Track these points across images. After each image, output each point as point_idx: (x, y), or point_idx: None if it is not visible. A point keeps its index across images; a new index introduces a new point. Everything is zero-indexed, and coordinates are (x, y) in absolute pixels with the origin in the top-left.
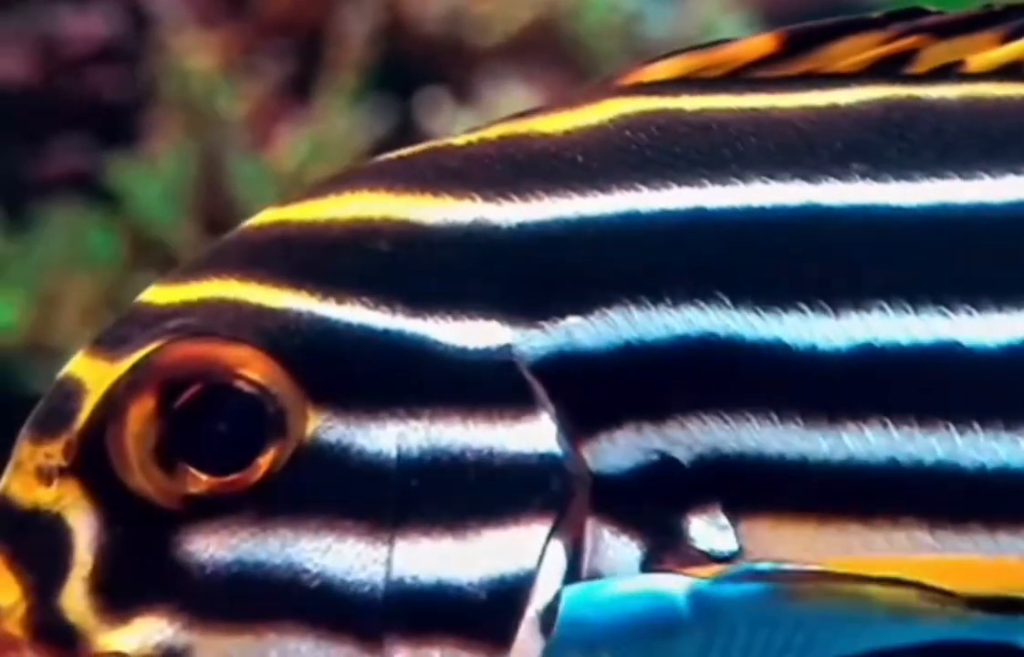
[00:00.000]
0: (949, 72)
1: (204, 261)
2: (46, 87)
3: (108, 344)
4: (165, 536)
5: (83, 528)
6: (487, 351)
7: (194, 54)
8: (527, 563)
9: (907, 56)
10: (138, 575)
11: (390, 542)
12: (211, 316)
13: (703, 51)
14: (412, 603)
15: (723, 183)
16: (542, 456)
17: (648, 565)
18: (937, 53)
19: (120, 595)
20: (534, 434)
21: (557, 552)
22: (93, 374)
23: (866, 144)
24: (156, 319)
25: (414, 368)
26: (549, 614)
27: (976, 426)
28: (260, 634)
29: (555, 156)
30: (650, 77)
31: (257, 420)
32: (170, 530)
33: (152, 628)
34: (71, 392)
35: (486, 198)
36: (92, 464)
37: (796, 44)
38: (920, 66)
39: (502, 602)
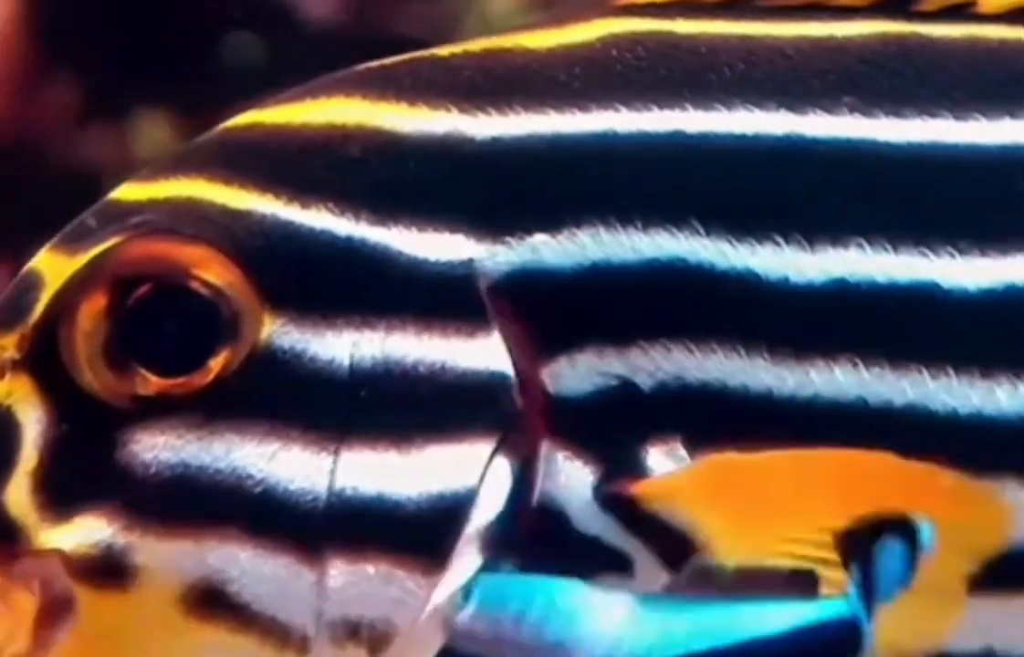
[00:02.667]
0: (958, 11)
1: (176, 160)
2: (355, 25)
3: (70, 238)
4: (111, 435)
5: (31, 423)
6: (448, 265)
7: None
8: (469, 481)
9: None
10: (82, 473)
11: (335, 453)
12: (173, 215)
13: None
14: (351, 516)
15: (705, 108)
16: (492, 374)
17: (600, 492)
18: None
19: (63, 493)
20: (486, 351)
21: (500, 471)
22: (52, 268)
23: (859, 77)
24: (119, 215)
25: (373, 277)
26: (489, 534)
27: (950, 371)
28: (200, 539)
29: (537, 72)
30: None
31: (211, 322)
32: (116, 429)
33: (92, 527)
34: (30, 285)
35: (462, 110)
36: (44, 359)
37: None
38: (928, 3)
39: (440, 520)
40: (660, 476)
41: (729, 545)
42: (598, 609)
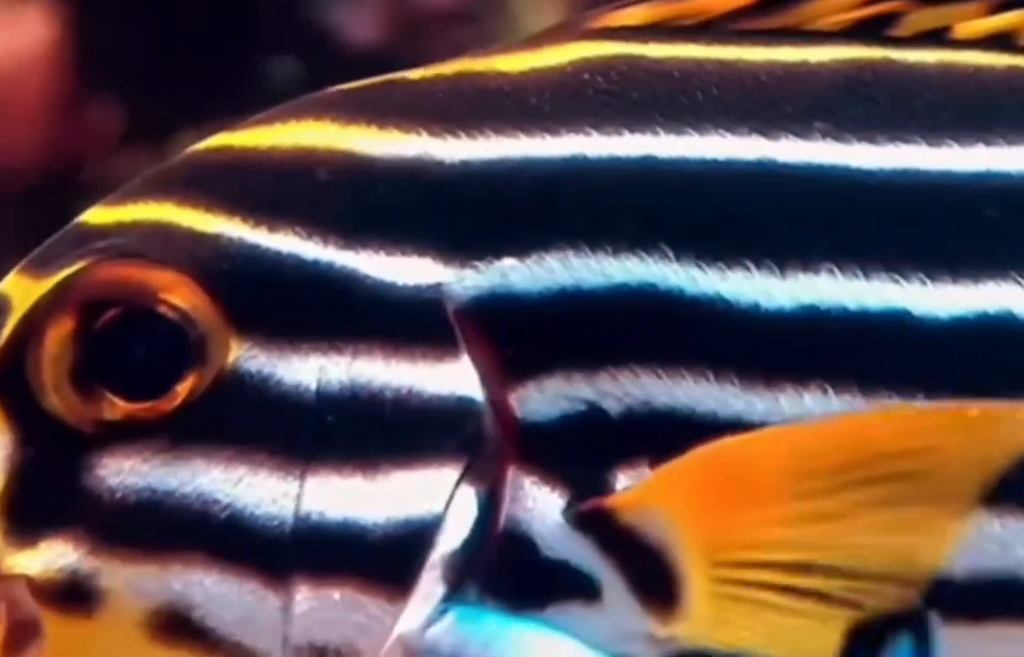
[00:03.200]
0: (933, 38)
1: (145, 184)
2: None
3: (38, 262)
4: (78, 459)
5: None
6: (416, 289)
7: (536, 13)
8: (435, 507)
9: (890, 19)
10: (48, 498)
11: (301, 478)
12: (141, 239)
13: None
14: (318, 542)
15: (677, 133)
16: (459, 399)
17: (570, 513)
18: (922, 18)
19: (29, 517)
20: (454, 377)
21: (467, 498)
22: (19, 291)
23: (831, 103)
24: (87, 239)
25: (341, 302)
26: (454, 560)
27: (921, 398)
28: (165, 564)
29: (509, 95)
30: (620, 22)
31: (178, 347)
32: (83, 453)
33: (57, 551)
34: None
35: (433, 133)
36: (11, 383)
37: None
38: (903, 30)
39: (405, 546)
40: (632, 486)
41: (705, 551)
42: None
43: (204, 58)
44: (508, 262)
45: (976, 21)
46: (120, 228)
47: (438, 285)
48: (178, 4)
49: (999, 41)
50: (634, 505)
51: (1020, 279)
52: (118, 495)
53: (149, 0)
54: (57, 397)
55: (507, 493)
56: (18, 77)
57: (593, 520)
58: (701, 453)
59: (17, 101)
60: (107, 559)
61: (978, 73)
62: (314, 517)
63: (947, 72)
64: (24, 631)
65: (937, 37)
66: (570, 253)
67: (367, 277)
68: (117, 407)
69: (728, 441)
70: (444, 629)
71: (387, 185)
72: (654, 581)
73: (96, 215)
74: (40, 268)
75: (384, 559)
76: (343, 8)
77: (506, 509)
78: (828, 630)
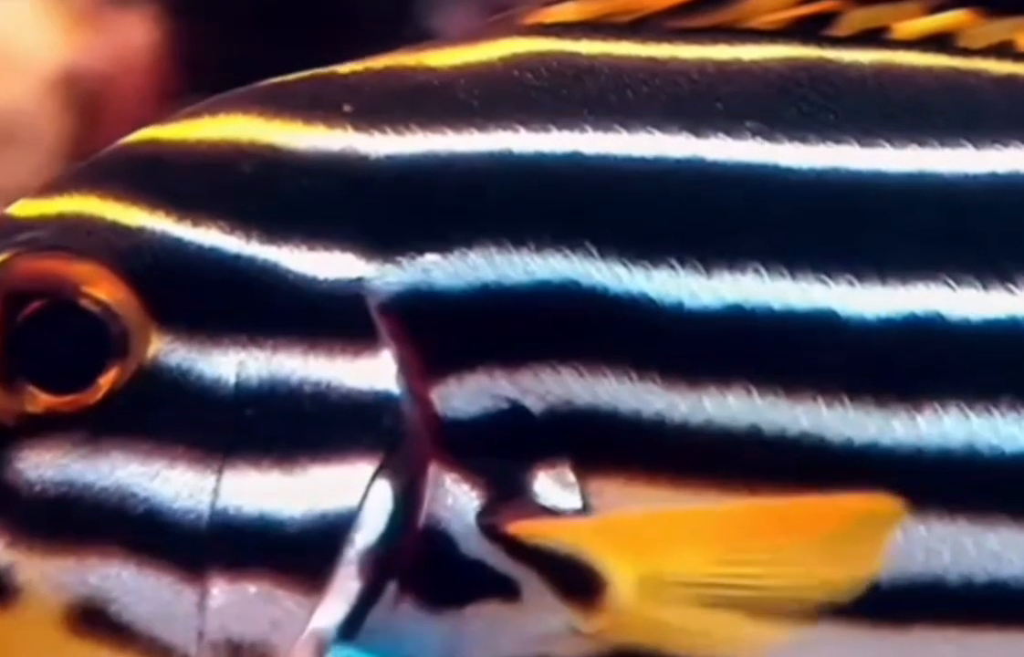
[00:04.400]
0: (871, 38)
1: (71, 176)
2: None
3: None
4: None
5: None
6: (337, 283)
7: None
8: (350, 502)
9: (827, 18)
10: None
11: (219, 472)
12: (64, 231)
13: None
14: (234, 536)
15: (605, 130)
16: (377, 394)
17: (486, 516)
18: (859, 17)
19: None
20: (372, 371)
21: (383, 493)
22: None
23: (763, 102)
24: (11, 232)
25: (262, 296)
26: (371, 556)
27: (846, 400)
28: (82, 557)
29: (437, 91)
30: (554, 18)
31: (99, 340)
32: (3, 446)
33: None
34: None
35: (358, 128)
36: None
37: None
38: (841, 29)
39: (321, 541)
40: (536, 521)
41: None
42: None
43: (304, 66)
44: (431, 258)
45: (915, 21)
46: (44, 220)
47: (359, 280)
48: (279, 11)
49: (937, 42)
50: (538, 534)
51: (950, 281)
52: (37, 488)
53: (250, 7)
54: None
55: (427, 489)
56: (118, 80)
57: (497, 533)
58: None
59: (117, 104)
60: (25, 552)
61: (914, 74)
62: (231, 511)
63: (883, 72)
64: None
65: (875, 37)
66: (493, 249)
67: (289, 272)
68: (39, 400)
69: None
70: None
71: (311, 180)
72: (574, 580)
73: (21, 208)
74: None
75: (299, 554)
76: (444, 16)
77: (426, 506)
78: (758, 624)
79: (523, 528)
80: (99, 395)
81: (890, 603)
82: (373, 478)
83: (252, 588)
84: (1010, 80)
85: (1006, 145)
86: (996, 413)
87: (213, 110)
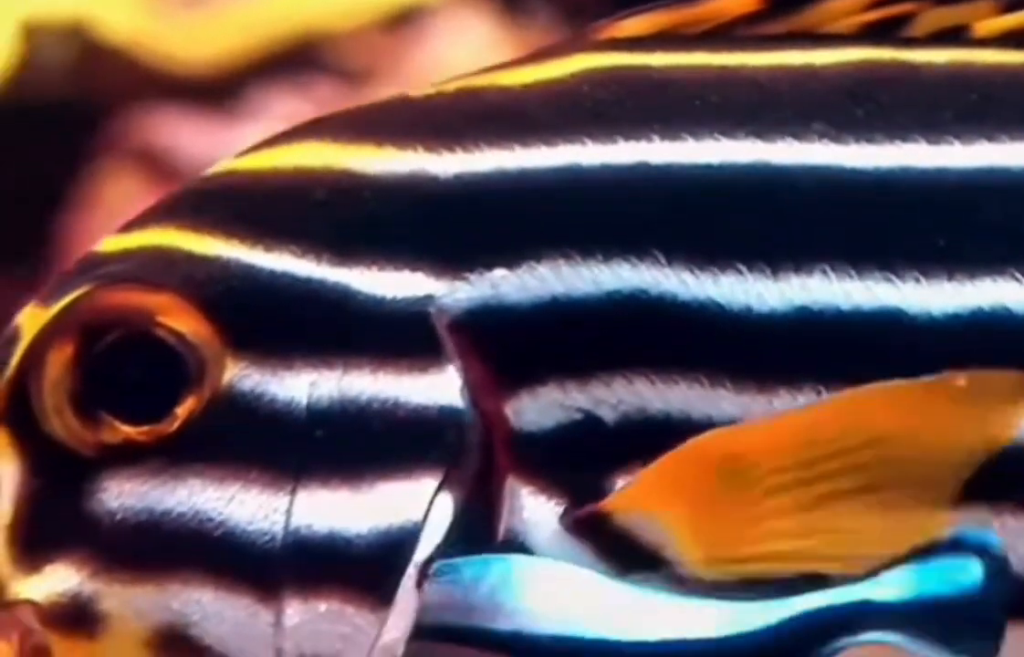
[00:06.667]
0: (950, 37)
1: (151, 211)
2: None
3: (49, 291)
4: (79, 484)
5: (7, 477)
6: (406, 302)
7: None
8: (414, 517)
9: (903, 20)
10: (52, 522)
11: (292, 492)
12: (141, 264)
13: (686, 5)
14: (306, 555)
15: (672, 139)
16: (441, 410)
17: (567, 520)
18: (935, 17)
19: (34, 543)
20: (436, 387)
21: (444, 507)
22: (29, 321)
23: (832, 105)
24: (92, 267)
25: (332, 317)
26: (425, 570)
27: None
28: (163, 584)
29: (507, 109)
30: (626, 31)
31: (176, 370)
32: (84, 478)
33: (61, 576)
34: (10, 338)
35: (429, 149)
36: (18, 411)
37: (783, 1)
38: (917, 30)
39: (386, 557)
40: (624, 486)
41: (701, 547)
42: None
43: None
44: (499, 273)
45: (991, 20)
46: (123, 255)
47: (429, 298)
48: None
49: (1014, 39)
50: (627, 506)
51: (1018, 277)
52: (117, 518)
53: None
54: (59, 422)
55: (504, 503)
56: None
57: (589, 526)
58: (691, 447)
59: None
60: (108, 581)
61: (986, 71)
62: (302, 531)
63: (957, 72)
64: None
65: (952, 37)
66: (561, 262)
67: (359, 292)
68: (118, 431)
69: (716, 433)
70: (443, 586)
71: (381, 201)
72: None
73: (107, 243)
74: (48, 297)
75: (366, 570)
76: None
77: (504, 519)
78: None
79: (618, 501)
80: (176, 425)
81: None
82: (436, 493)
83: (323, 605)
84: None
85: None
86: None
87: (288, 139)
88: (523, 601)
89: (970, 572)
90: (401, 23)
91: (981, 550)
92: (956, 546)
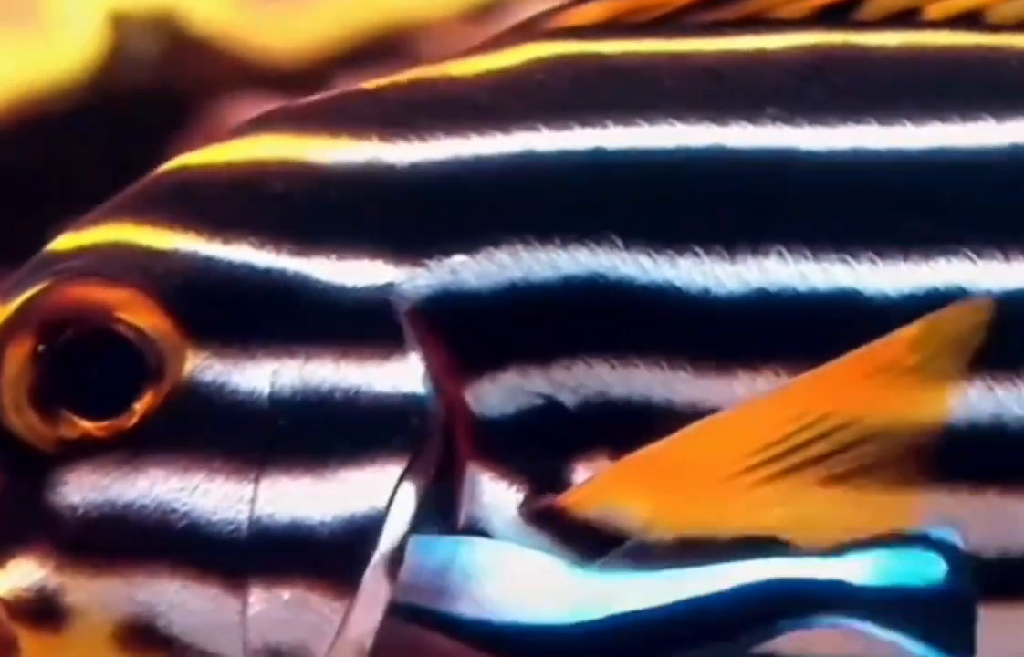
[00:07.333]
0: (904, 20)
1: (108, 207)
2: None
3: (7, 288)
4: (41, 478)
5: None
6: (366, 290)
7: None
8: (378, 504)
9: (855, 4)
10: (15, 517)
11: (256, 482)
12: (99, 259)
13: None
14: (270, 544)
15: (626, 125)
16: (404, 396)
17: (526, 510)
18: (888, 1)
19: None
20: (399, 374)
21: (408, 494)
22: None
23: (785, 89)
24: (49, 263)
25: (293, 307)
26: (394, 558)
27: None
28: (129, 576)
29: (461, 98)
30: (577, 20)
31: (135, 364)
32: (45, 472)
33: (25, 570)
34: None
35: (384, 138)
36: None
37: None
38: (869, 14)
39: (350, 544)
40: (583, 483)
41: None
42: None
43: None
44: (458, 259)
45: (945, 2)
46: (81, 251)
47: (389, 285)
48: None
49: (967, 20)
50: (588, 501)
51: (972, 255)
52: (80, 511)
53: None
54: (18, 418)
55: (465, 489)
56: None
57: (549, 516)
58: (652, 449)
59: None
60: (72, 575)
61: (941, 53)
62: (266, 520)
63: (909, 54)
64: (6, 650)
65: (905, 19)
66: (519, 247)
67: (319, 282)
68: (76, 427)
69: (675, 436)
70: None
71: (339, 191)
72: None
73: (64, 240)
74: (6, 293)
75: (331, 558)
76: None
77: (464, 505)
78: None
79: (574, 498)
80: (135, 419)
81: None
82: (400, 480)
83: (288, 594)
84: None
85: None
86: (1021, 384)
87: (244, 132)
88: (489, 588)
89: (935, 567)
90: (486, 13)
91: (944, 547)
92: (920, 541)
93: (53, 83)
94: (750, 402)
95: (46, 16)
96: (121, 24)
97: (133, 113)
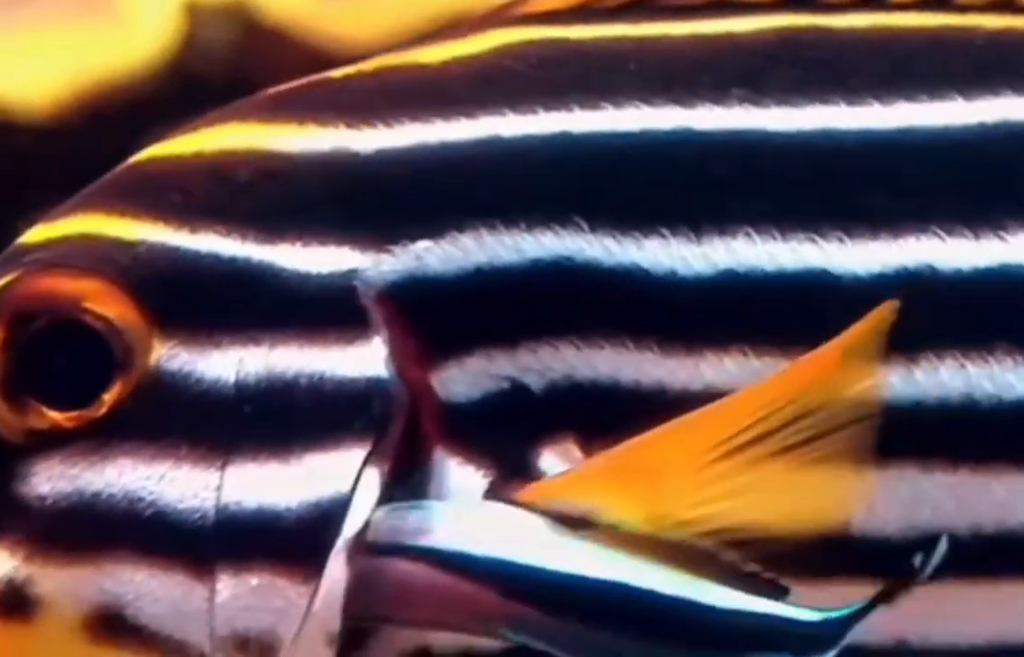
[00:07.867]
0: (872, 1)
1: (77, 200)
2: None
3: None
4: (9, 469)
5: None
6: (330, 277)
7: None
8: (342, 488)
9: None
10: None
11: (222, 469)
12: (67, 250)
13: None
14: (237, 531)
15: (592, 108)
16: (368, 381)
17: (493, 497)
18: None
19: None
20: (365, 360)
21: (372, 478)
22: None
23: (752, 71)
24: (17, 254)
25: (258, 295)
26: (358, 542)
27: None
28: (98, 564)
29: (427, 85)
30: (545, 6)
31: (103, 354)
32: (14, 462)
33: None
34: None
35: (350, 126)
36: None
37: None
38: None
39: (315, 529)
40: (546, 479)
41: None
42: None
43: None
44: (423, 245)
45: None
46: (49, 242)
47: (353, 271)
48: None
49: (936, 0)
50: (553, 497)
51: (941, 233)
52: (48, 501)
53: None
54: None
55: (432, 474)
56: None
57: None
58: (612, 452)
59: None
60: (42, 565)
61: (909, 33)
62: (232, 507)
63: (877, 35)
64: None
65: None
66: (484, 231)
67: (284, 269)
68: (45, 418)
69: (633, 441)
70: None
71: (304, 179)
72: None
73: (34, 233)
74: None
75: (297, 543)
76: None
77: (431, 489)
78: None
79: (535, 492)
80: (103, 410)
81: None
82: (363, 464)
83: (255, 580)
84: (1004, 34)
85: (996, 95)
86: (992, 362)
87: (211, 122)
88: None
89: None
90: None
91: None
92: None
93: (127, 73)
94: (719, 401)
95: (120, 6)
96: (195, 13)
97: (207, 102)
